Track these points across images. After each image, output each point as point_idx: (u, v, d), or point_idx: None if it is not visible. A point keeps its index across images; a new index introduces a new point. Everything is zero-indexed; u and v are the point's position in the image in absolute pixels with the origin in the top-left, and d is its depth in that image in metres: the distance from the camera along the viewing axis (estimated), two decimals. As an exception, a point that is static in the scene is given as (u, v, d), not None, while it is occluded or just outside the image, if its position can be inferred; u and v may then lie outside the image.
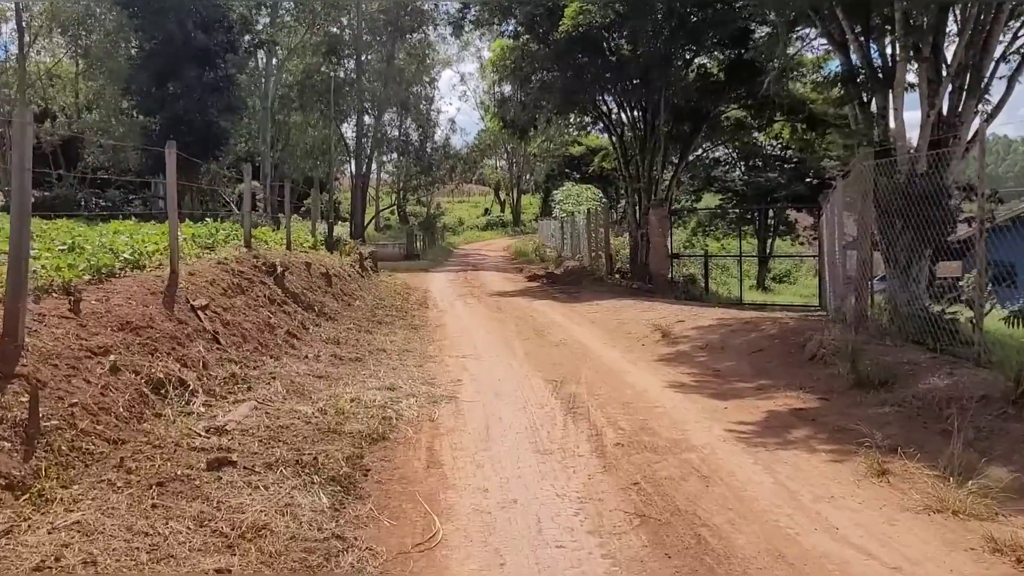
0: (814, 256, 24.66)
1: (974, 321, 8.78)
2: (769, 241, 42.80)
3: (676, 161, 25.16)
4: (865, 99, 13.46)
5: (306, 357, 8.91)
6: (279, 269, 11.31)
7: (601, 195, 38.47)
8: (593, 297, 18.27)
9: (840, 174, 13.65)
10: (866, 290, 10.45)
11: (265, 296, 10.19)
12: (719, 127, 25.09)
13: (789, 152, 38.60)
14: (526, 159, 74.08)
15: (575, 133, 74.42)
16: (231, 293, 9.14)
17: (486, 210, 78.46)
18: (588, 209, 29.77)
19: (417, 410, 6.99)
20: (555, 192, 38.38)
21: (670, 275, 21.14)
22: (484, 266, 31.78)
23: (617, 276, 22.42)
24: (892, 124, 12.13)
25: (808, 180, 36.46)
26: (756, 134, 25.17)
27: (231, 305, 8.80)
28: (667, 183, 24.73)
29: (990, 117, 12.71)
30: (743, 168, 42.22)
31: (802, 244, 46.61)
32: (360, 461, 5.44)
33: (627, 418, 6.87)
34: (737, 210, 38.35)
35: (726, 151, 37.44)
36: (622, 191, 27.01)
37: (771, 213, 42.48)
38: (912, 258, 11.69)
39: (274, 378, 7.51)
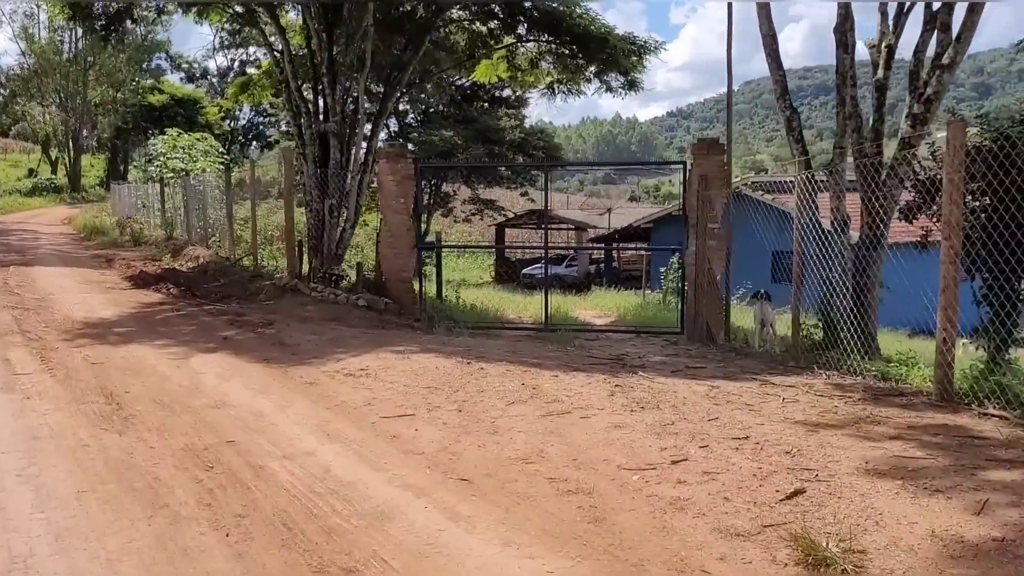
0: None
1: None
2: (425, 218, 35.15)
3: (383, 92, 15.93)
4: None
5: None
6: None
7: (221, 148, 27.23)
8: (318, 341, 8.60)
9: None
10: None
11: None
12: (448, 46, 16.35)
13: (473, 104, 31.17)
14: (86, 109, 57.99)
15: (149, 81, 60.77)
16: None
17: (31, 171, 60.41)
18: (227, 165, 19.06)
19: None
20: (153, 142, 26.34)
21: (418, 283, 12.05)
22: (39, 254, 19.34)
23: (316, 281, 12.56)
24: None
25: (492, 143, 29.39)
26: (498, 57, 16.82)
27: None
28: (369, 125, 15.39)
29: None
30: (393, 125, 33.87)
31: (458, 222, 39.80)
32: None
33: None
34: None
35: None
36: (289, 139, 16.95)
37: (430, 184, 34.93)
38: None
39: None
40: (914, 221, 8.39)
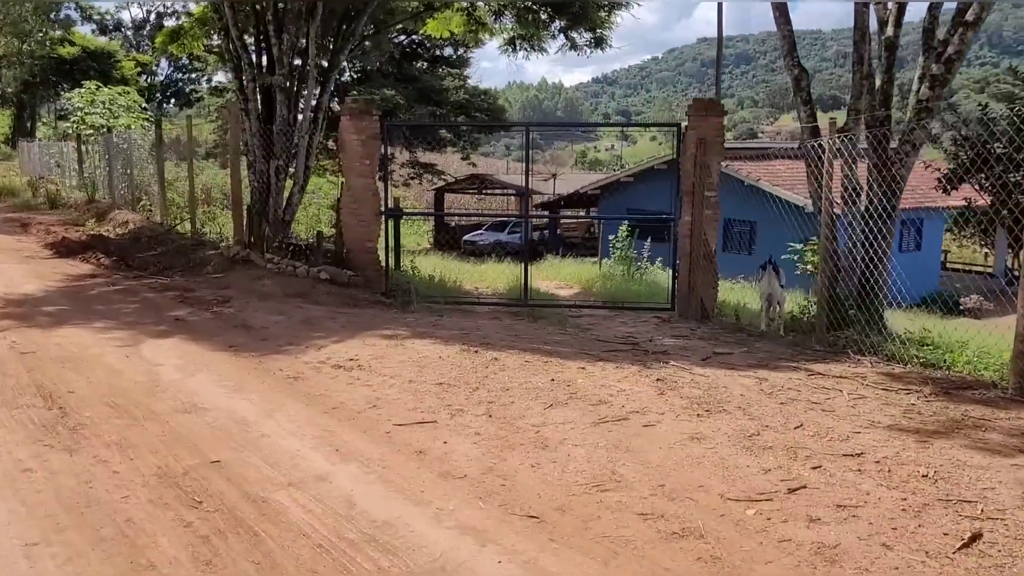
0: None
1: None
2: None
3: (333, 44, 14.55)
4: None
5: None
6: None
7: (145, 104, 25.21)
8: (288, 323, 7.50)
9: None
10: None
11: None
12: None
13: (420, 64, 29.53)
14: (-13, 62, 54.01)
15: (59, 32, 56.98)
16: None
17: (-72, 126, 56.22)
18: (156, 121, 17.39)
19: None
20: (68, 95, 24.21)
21: (385, 254, 10.92)
22: (-58, 217, 17.49)
23: (270, 251, 11.27)
24: None
25: (435, 104, 28.01)
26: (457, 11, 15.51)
27: None
28: (317, 80, 14.05)
29: None
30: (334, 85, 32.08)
31: (396, 187, 38.27)
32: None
33: None
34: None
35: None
36: (217, 96, 15.47)
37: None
38: None
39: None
40: (952, 191, 7.68)
